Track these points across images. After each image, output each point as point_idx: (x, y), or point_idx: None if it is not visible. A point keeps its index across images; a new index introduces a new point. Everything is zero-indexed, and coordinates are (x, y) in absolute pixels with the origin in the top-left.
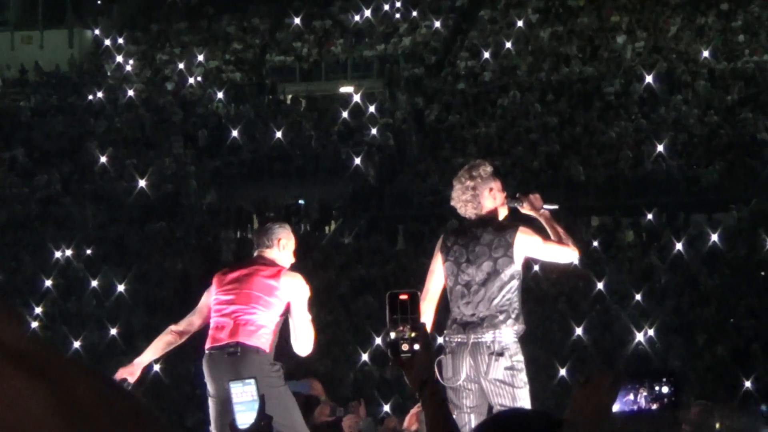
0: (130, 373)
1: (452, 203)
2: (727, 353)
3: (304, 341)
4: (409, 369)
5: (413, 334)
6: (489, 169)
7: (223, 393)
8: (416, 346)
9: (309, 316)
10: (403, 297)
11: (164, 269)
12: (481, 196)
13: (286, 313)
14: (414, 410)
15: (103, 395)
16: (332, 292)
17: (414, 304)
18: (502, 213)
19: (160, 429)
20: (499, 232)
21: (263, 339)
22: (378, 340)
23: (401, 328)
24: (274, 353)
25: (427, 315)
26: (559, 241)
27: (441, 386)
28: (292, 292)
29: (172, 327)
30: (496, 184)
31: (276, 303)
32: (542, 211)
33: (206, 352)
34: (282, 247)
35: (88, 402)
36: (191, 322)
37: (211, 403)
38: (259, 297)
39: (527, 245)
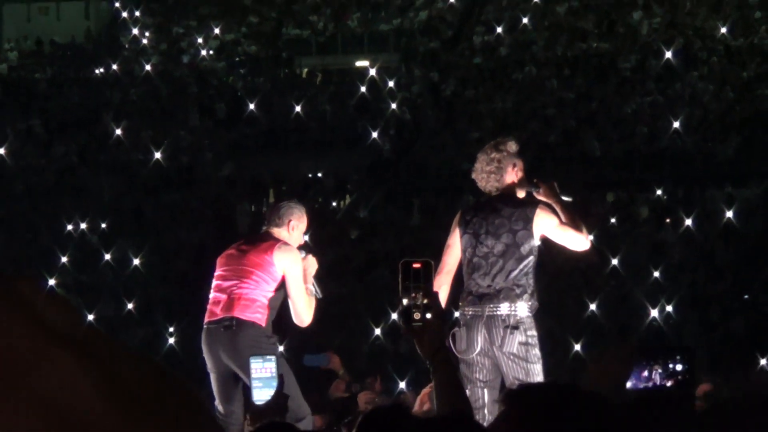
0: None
1: (474, 175)
2: (742, 328)
3: (298, 313)
4: (420, 337)
5: (425, 302)
6: (515, 146)
7: (222, 367)
8: (428, 315)
9: (303, 288)
10: (416, 266)
11: (180, 240)
12: (505, 170)
13: (282, 287)
14: (426, 389)
15: (150, 380)
16: (347, 265)
17: (427, 272)
18: (520, 194)
19: (205, 415)
20: (519, 206)
21: (258, 313)
22: (394, 315)
23: (414, 295)
24: (272, 326)
25: (444, 289)
26: (574, 226)
27: (453, 357)
28: (284, 266)
29: None
30: (519, 162)
31: (269, 277)
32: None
33: (204, 326)
34: (292, 228)
35: (137, 385)
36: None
37: (211, 377)
38: (252, 272)
39: (545, 222)
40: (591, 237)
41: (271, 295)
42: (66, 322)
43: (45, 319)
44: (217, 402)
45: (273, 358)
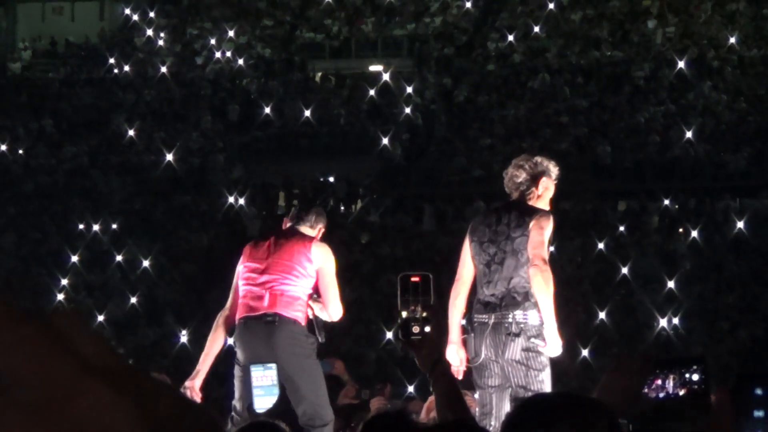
0: (194, 394)
1: (505, 170)
2: (750, 340)
3: (331, 304)
4: (419, 350)
5: (424, 315)
6: (555, 170)
7: (256, 361)
8: (427, 328)
9: (336, 283)
10: (415, 279)
11: (190, 243)
12: (530, 178)
13: (316, 285)
14: (432, 398)
15: (181, 411)
16: (357, 270)
17: (426, 286)
18: (541, 206)
19: None
20: (520, 213)
21: (299, 311)
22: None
23: (413, 308)
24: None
25: (461, 298)
26: (544, 253)
27: (451, 367)
28: (321, 261)
29: (223, 314)
30: (550, 182)
31: (308, 274)
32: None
33: (240, 320)
34: (320, 235)
35: (169, 416)
36: (234, 301)
37: (238, 373)
38: (293, 267)
39: (532, 231)
40: (548, 286)
41: (310, 292)
42: (102, 355)
43: (82, 351)
44: (235, 400)
45: (273, 366)
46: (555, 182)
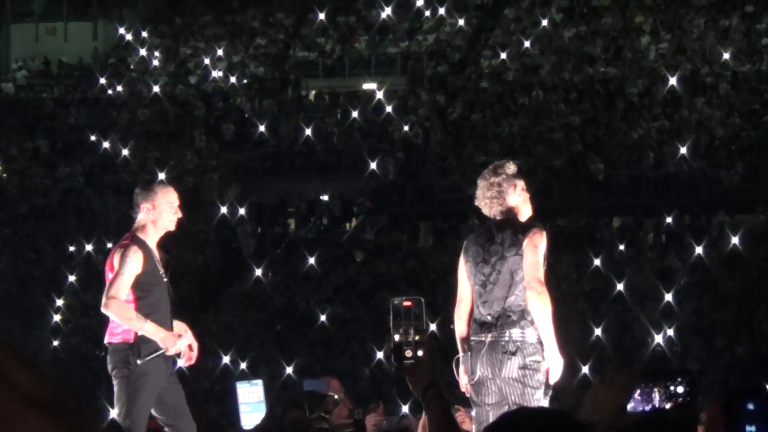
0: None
1: (477, 202)
2: (747, 355)
3: (106, 293)
4: (412, 374)
5: (417, 339)
6: (514, 167)
7: None
8: (419, 352)
9: (124, 283)
10: (407, 304)
11: (184, 263)
12: (506, 193)
13: (142, 287)
14: (424, 419)
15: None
16: (352, 289)
17: (418, 310)
18: (526, 212)
19: None
20: (514, 231)
21: (120, 331)
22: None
23: (404, 331)
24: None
25: (464, 322)
26: (538, 275)
27: (455, 383)
28: (117, 260)
29: None
30: (520, 182)
31: None
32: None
33: None
34: (146, 211)
35: None
36: None
37: None
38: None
39: (526, 249)
40: (544, 307)
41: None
42: (38, 386)
43: (18, 383)
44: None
45: (259, 382)
46: (520, 175)
